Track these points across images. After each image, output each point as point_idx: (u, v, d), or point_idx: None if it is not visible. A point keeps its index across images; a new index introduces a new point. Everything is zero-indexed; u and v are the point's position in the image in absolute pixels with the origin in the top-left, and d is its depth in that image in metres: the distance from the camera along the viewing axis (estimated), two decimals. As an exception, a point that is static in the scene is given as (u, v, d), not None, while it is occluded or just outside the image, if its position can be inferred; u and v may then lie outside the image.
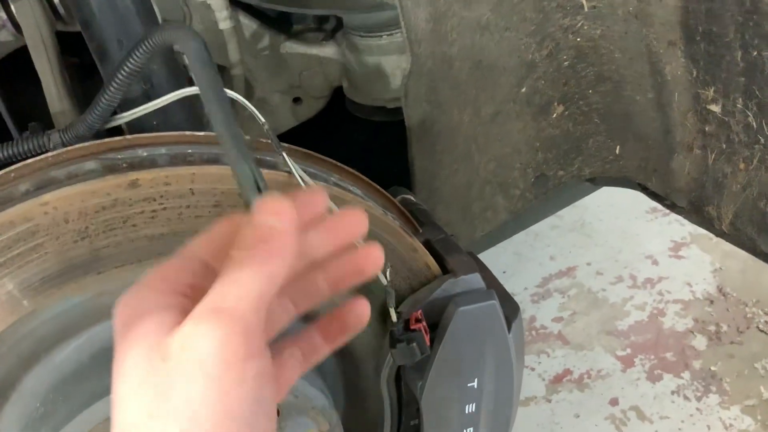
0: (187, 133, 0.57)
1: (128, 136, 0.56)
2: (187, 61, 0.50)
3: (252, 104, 1.09)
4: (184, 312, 0.37)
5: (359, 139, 1.21)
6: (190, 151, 0.56)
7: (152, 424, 0.34)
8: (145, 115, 0.64)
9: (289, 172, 0.59)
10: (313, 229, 0.44)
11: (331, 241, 0.45)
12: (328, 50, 1.05)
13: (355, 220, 0.45)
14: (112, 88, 0.56)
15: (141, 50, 0.53)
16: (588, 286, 1.88)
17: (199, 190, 0.54)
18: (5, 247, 0.51)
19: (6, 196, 0.53)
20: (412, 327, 0.63)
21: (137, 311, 0.37)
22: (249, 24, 1.02)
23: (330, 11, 0.99)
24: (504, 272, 1.95)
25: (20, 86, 0.84)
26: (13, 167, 0.54)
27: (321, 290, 0.46)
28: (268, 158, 0.59)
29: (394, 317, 0.63)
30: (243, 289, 0.36)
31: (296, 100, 1.11)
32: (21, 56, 0.79)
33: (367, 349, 0.69)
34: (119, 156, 0.55)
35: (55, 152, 0.54)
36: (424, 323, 0.64)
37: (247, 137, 0.60)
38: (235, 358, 0.34)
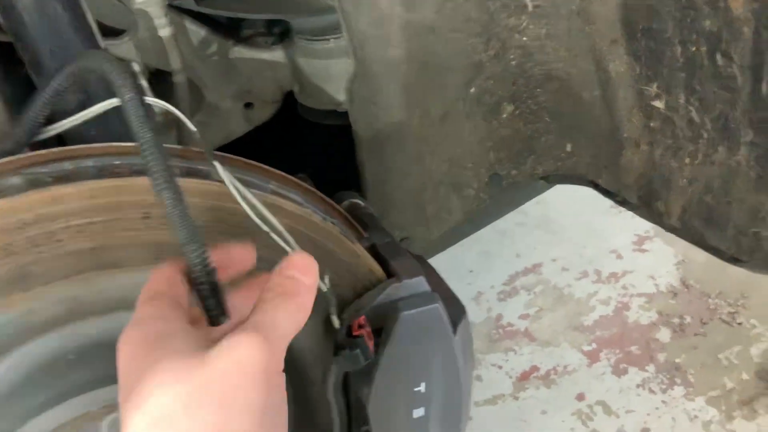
0: (115, 144, 0.56)
1: (54, 149, 0.55)
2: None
3: (203, 111, 1.09)
4: (194, 334, 0.43)
5: (313, 144, 1.20)
6: (117, 162, 0.55)
7: (188, 412, 0.38)
8: (84, 125, 0.63)
9: (221, 182, 0.58)
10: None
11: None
12: (277, 54, 1.04)
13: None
14: (38, 106, 0.55)
15: (66, 75, 0.53)
16: (554, 283, 1.89)
17: (127, 202, 0.53)
18: (-74, 267, 0.50)
19: (-73, 215, 0.51)
20: (355, 333, 0.62)
21: (153, 333, 0.42)
22: (196, 30, 1.00)
23: (276, 15, 0.99)
24: (471, 271, 1.95)
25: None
26: (-66, 185, 0.52)
27: None
28: (200, 167, 0.58)
29: (336, 324, 0.63)
30: (278, 325, 0.43)
31: (248, 105, 1.10)
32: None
33: (312, 358, 0.68)
34: (44, 170, 0.53)
35: (-24, 168, 0.53)
36: (368, 329, 0.63)
37: (179, 146, 0.59)
38: (268, 367, 0.41)
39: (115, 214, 0.53)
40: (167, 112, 1.09)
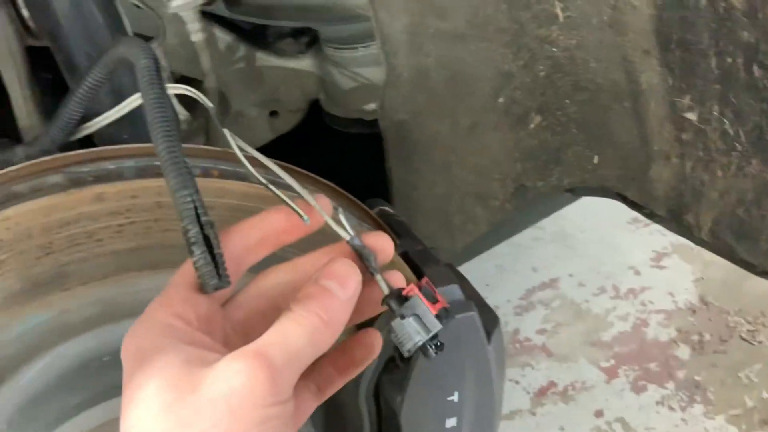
0: (156, 145, 0.56)
1: (94, 149, 0.55)
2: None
3: (228, 119, 1.09)
4: (199, 345, 0.39)
5: (338, 153, 1.20)
6: (158, 163, 0.55)
7: None
8: (116, 128, 0.63)
9: (264, 185, 0.57)
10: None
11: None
12: (304, 63, 1.04)
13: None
14: (72, 103, 0.55)
15: (99, 67, 0.53)
16: (571, 298, 1.87)
17: (167, 203, 0.53)
18: (-34, 265, 0.50)
19: (-33, 213, 0.51)
20: (407, 293, 0.45)
21: (155, 344, 0.38)
22: (223, 37, 1.01)
23: (304, 23, 0.99)
24: (487, 285, 1.94)
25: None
26: (-26, 183, 0.52)
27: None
28: (238, 170, 0.58)
29: (383, 287, 0.46)
30: (287, 345, 0.38)
31: (273, 113, 1.10)
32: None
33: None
34: (85, 169, 0.53)
35: (17, 166, 0.53)
36: (433, 292, 0.46)
37: (218, 149, 0.59)
38: (262, 400, 0.36)
39: (156, 214, 0.53)
40: (192, 121, 1.09)
